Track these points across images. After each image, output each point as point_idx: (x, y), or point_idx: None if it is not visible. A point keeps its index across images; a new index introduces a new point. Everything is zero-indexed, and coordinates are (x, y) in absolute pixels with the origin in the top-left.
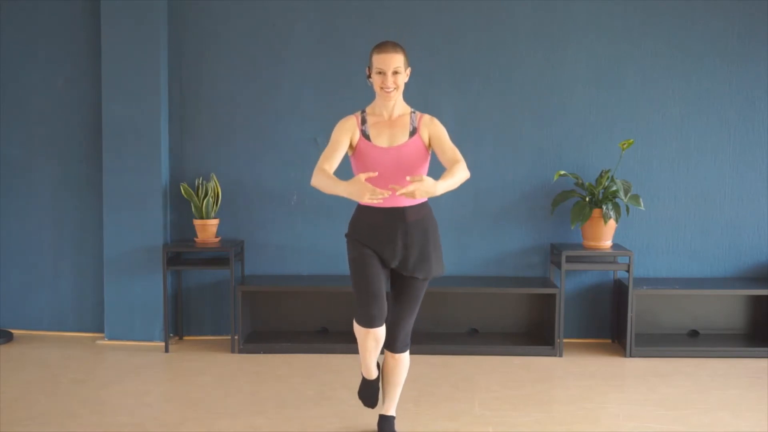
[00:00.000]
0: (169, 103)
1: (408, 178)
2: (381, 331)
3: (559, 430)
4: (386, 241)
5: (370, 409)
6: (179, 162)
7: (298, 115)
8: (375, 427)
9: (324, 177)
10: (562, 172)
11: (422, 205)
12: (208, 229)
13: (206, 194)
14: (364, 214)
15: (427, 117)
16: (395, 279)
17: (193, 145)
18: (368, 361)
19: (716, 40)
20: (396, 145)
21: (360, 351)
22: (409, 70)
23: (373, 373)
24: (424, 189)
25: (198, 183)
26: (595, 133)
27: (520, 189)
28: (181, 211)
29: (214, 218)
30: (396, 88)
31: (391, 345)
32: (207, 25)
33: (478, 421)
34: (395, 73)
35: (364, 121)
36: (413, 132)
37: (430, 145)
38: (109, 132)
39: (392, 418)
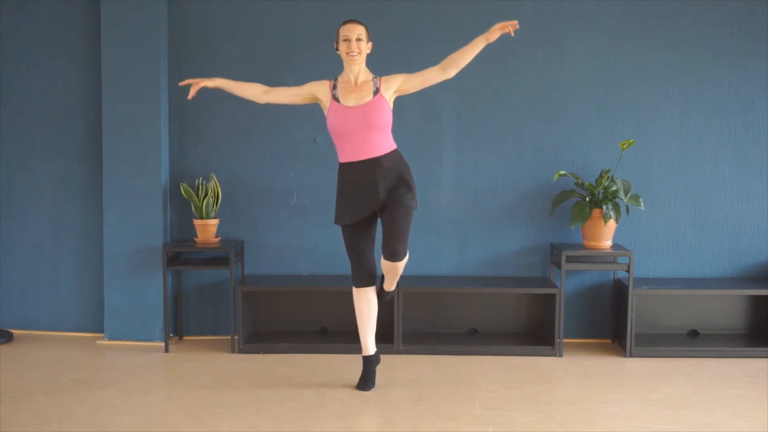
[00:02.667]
0: (169, 103)
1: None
2: (371, 293)
3: (559, 430)
4: (369, 189)
5: (370, 410)
6: (179, 162)
7: (298, 115)
8: (375, 428)
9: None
10: (562, 172)
11: (394, 152)
12: (208, 229)
13: (206, 194)
14: (346, 170)
15: (385, 77)
16: (385, 210)
17: (193, 145)
18: (365, 327)
19: (716, 40)
20: (362, 104)
21: (357, 318)
22: (370, 44)
23: (370, 348)
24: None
25: (198, 183)
26: (595, 133)
27: (520, 189)
28: (181, 211)
29: (214, 218)
30: (359, 53)
31: (392, 257)
32: (207, 25)
33: (478, 421)
34: (358, 39)
35: (335, 87)
36: (376, 92)
37: (395, 93)
38: (109, 132)
39: (391, 291)
